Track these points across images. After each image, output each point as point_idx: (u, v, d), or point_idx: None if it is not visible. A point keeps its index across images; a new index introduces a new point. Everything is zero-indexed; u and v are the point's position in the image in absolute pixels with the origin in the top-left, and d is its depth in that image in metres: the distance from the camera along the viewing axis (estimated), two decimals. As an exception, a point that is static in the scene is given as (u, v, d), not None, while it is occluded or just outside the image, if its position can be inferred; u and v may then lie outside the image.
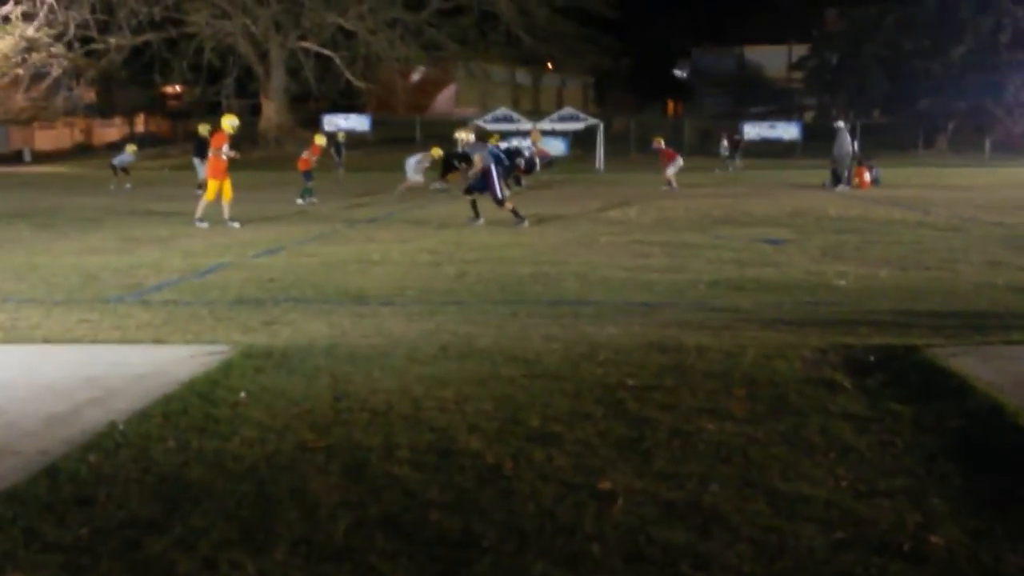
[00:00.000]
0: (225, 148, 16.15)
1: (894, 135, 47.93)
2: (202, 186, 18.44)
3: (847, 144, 26.29)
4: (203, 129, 22.21)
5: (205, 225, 15.45)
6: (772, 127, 49.92)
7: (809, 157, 41.00)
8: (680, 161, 26.73)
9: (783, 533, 3.45)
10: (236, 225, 15.51)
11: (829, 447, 4.37)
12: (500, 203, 15.84)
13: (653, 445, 4.39)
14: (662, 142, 27.75)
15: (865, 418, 4.80)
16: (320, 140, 23.93)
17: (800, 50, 62.19)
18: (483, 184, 16.18)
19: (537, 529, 3.49)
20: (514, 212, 15.56)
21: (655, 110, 70.66)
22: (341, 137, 37.08)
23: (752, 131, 48.89)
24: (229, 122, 17.02)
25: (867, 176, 26.57)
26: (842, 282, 9.39)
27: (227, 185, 16.06)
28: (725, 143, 40.06)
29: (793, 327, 7.08)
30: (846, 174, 26.05)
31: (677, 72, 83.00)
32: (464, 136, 18.45)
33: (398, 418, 4.78)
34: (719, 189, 25.92)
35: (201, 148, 21.32)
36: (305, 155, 22.48)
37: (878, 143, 43.46)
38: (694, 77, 78.24)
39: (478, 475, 4.01)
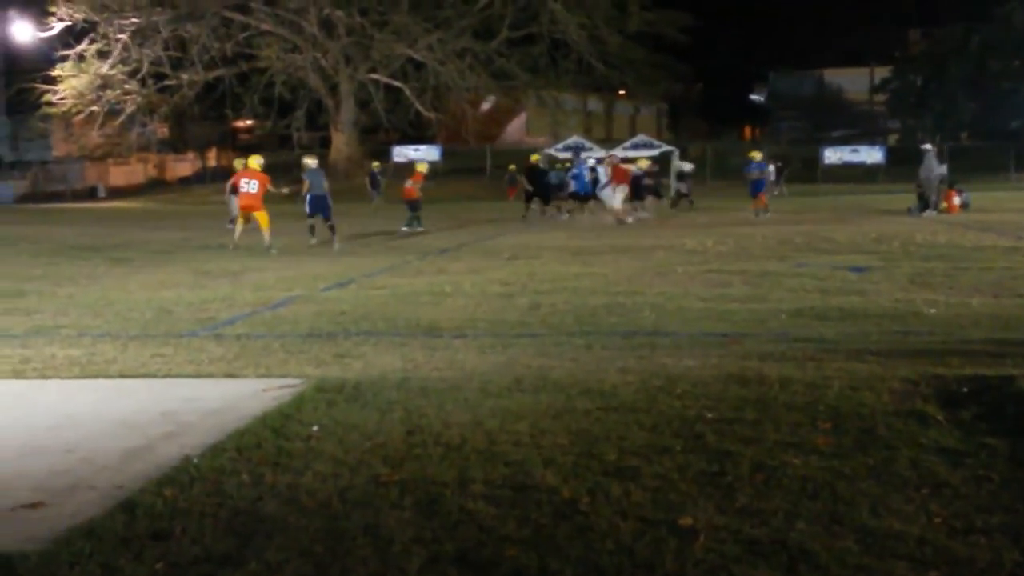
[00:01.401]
0: (245, 184, 18.19)
1: (983, 158, 46.94)
2: (233, 220, 20.21)
3: (934, 167, 25.81)
4: (238, 164, 22.93)
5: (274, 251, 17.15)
6: (854, 151, 49.31)
7: (894, 181, 40.34)
8: (626, 188, 25.38)
9: (873, 572, 3.38)
10: (274, 251, 17.18)
11: (921, 482, 4.27)
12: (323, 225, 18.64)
13: (735, 480, 4.33)
14: (615, 156, 27.96)
15: (959, 452, 4.68)
16: (422, 168, 24.48)
17: (882, 72, 61.44)
18: (319, 207, 18.85)
19: (615, 567, 3.46)
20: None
21: (731, 136, 70.31)
22: (376, 167, 37.36)
23: (833, 155, 48.38)
24: (256, 161, 18.98)
25: (956, 200, 26.05)
26: (932, 310, 9.20)
27: (262, 215, 17.98)
28: (771, 168, 39.47)
29: (881, 357, 6.94)
30: (934, 198, 25.57)
31: (754, 97, 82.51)
32: (307, 161, 20.00)
33: (472, 452, 4.79)
34: (799, 215, 25.62)
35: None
36: (409, 184, 23.05)
37: (967, 166, 42.59)
38: (771, 101, 77.72)
39: (554, 510, 4.00)
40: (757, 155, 27.67)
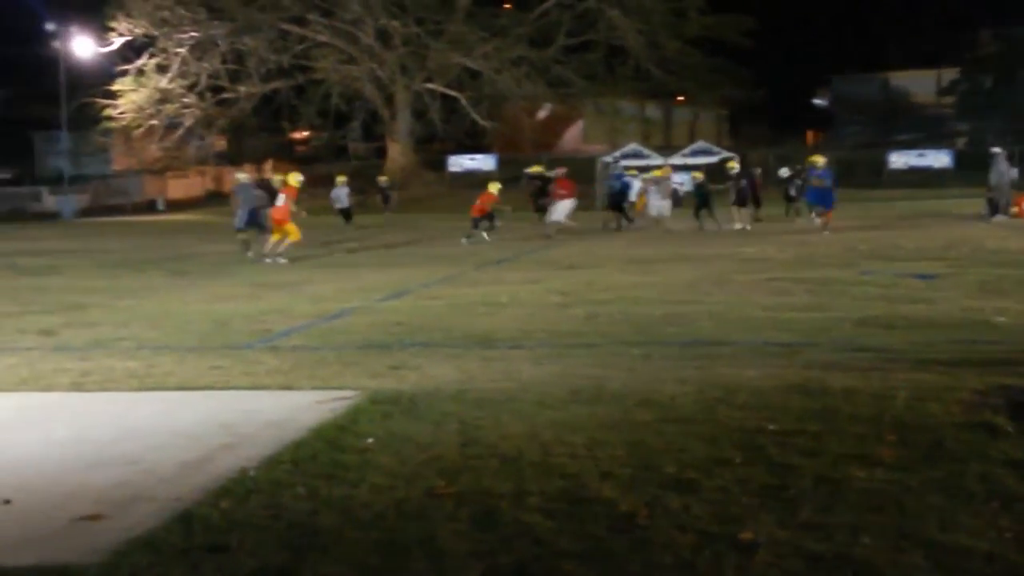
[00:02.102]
0: (291, 203, 18.79)
1: (1056, 161, 45.94)
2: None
3: (1005, 171, 25.34)
4: (277, 180, 23.23)
5: (284, 261, 17.86)
6: (921, 155, 48.62)
7: (962, 186, 39.65)
8: (572, 202, 24.56)
9: (942, 589, 3.32)
10: (283, 261, 17.86)
11: (990, 496, 4.18)
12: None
13: (797, 493, 4.28)
14: (562, 171, 26.40)
15: (1031, 465, 4.58)
16: (494, 188, 24.08)
17: (950, 74, 60.47)
18: (251, 222, 20.09)
19: (674, 581, 3.44)
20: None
21: (794, 141, 69.58)
22: (384, 181, 36.78)
23: (899, 160, 47.76)
24: (295, 178, 19.65)
25: (1028, 205, 25.55)
26: (1002, 319, 9.02)
27: (293, 226, 18.65)
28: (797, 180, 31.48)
29: (948, 367, 6.82)
30: (1004, 203, 25.08)
31: (816, 101, 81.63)
32: (238, 176, 21.51)
33: (528, 464, 4.79)
34: (864, 221, 25.28)
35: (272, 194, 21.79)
36: (478, 203, 23.43)
37: (1039, 169, 41.74)
38: (835, 105, 76.77)
39: (612, 524, 3.98)
40: (820, 160, 23.43)
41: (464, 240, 22.33)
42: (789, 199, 29.25)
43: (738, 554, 3.64)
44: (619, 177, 28.08)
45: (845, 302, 10.49)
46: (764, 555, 3.61)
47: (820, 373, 6.75)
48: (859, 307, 10.05)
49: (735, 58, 51.29)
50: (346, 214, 29.74)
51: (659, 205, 26.49)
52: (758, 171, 30.22)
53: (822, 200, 22.89)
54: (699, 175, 27.68)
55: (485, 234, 22.81)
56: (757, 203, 27.23)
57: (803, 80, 76.86)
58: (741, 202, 25.81)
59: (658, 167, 38.09)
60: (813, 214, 23.74)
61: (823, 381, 6.44)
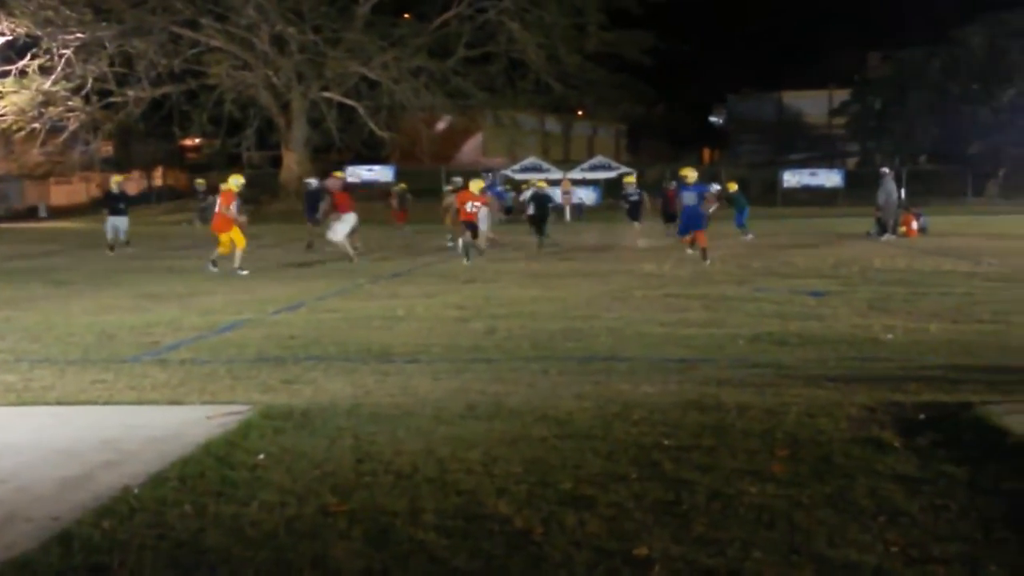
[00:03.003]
0: (234, 208, 17.68)
1: (942, 182, 47.80)
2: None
3: (893, 191, 26.20)
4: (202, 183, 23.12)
5: (245, 272, 16.98)
6: (813, 174, 49.98)
7: (853, 204, 40.92)
8: (351, 219, 20.49)
9: (831, 602, 3.40)
10: (244, 273, 16.96)
11: (879, 511, 4.31)
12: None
13: (691, 509, 4.35)
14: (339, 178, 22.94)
15: (916, 480, 4.74)
16: (476, 186, 21.34)
17: (842, 95, 62.34)
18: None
19: (570, 598, 3.46)
20: None
21: (690, 158, 70.95)
22: (402, 188, 33.32)
23: (792, 178, 49.02)
24: (235, 181, 18.30)
25: (914, 224, 26.51)
26: (889, 336, 9.32)
27: (237, 234, 17.58)
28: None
29: (839, 384, 7.02)
30: (892, 222, 25.95)
31: (713, 119, 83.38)
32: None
33: (424, 481, 4.77)
34: (759, 239, 25.87)
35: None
36: (462, 207, 20.69)
37: (925, 190, 43.40)
38: (731, 124, 78.56)
39: (507, 541, 3.99)
40: (691, 174, 20.28)
41: (466, 262, 19.46)
42: (668, 217, 29.79)
43: (633, 570, 3.68)
44: (495, 188, 26.65)
45: (740, 318, 10.71)
46: (659, 571, 3.67)
47: (715, 389, 6.88)
48: (753, 323, 10.27)
49: (635, 74, 52.07)
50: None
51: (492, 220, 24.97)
52: (672, 185, 30.50)
53: (690, 222, 19.58)
54: (542, 184, 27.36)
55: (451, 243, 22.15)
56: (670, 218, 27.73)
57: (701, 98, 78.48)
58: (635, 217, 26.29)
59: (556, 181, 38.48)
60: (668, 232, 24.05)
61: (718, 397, 6.57)
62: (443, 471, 4.92)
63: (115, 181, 26.11)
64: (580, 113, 65.83)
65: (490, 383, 7.23)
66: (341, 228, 20.26)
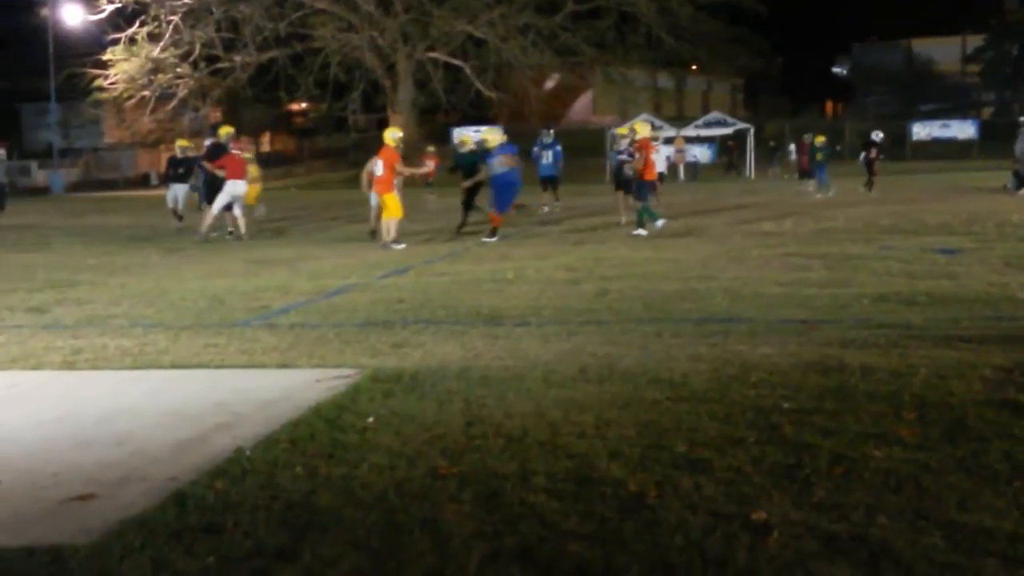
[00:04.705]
0: (399, 165, 16.04)
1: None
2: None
3: (1032, 142, 25.22)
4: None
5: (402, 246, 15.49)
6: (945, 126, 48.51)
7: (988, 157, 39.51)
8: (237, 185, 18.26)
9: (961, 570, 3.33)
10: (400, 247, 15.44)
11: (1013, 475, 4.19)
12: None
13: (813, 473, 4.29)
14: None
15: (1056, 444, 4.58)
16: (640, 126, 18.97)
17: (976, 41, 60.14)
18: None
19: (684, 563, 3.45)
20: None
21: (812, 112, 69.38)
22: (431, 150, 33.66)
23: (923, 131, 47.64)
24: (393, 135, 16.66)
25: (1055, 177, 25.47)
26: (1028, 294, 9.01)
27: (393, 200, 15.85)
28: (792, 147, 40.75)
29: (972, 344, 6.81)
30: (1031, 175, 24.99)
31: (836, 70, 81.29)
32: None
33: (534, 444, 4.80)
34: (885, 195, 25.21)
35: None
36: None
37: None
38: (855, 75, 76.52)
39: (620, 504, 3.99)
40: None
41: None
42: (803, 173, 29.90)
43: (751, 535, 3.65)
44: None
45: (865, 277, 10.48)
46: (778, 536, 3.62)
47: (838, 350, 6.75)
48: (879, 283, 10.04)
49: (751, 26, 51.00)
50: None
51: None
52: (808, 138, 30.05)
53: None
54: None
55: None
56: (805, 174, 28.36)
57: (822, 48, 76.53)
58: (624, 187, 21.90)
59: (670, 139, 38.12)
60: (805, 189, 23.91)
61: (841, 358, 6.44)
62: (554, 434, 4.94)
63: (179, 145, 23.32)
64: (694, 68, 64.82)
65: (602, 345, 7.22)
66: (225, 196, 18.28)
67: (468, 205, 18.50)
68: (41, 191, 48.92)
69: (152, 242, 18.20)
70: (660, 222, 16.64)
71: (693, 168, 43.13)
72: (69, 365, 7.13)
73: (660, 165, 22.10)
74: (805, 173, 29.56)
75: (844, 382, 5.80)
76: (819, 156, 28.08)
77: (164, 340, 7.99)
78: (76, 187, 52.66)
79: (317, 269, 13.04)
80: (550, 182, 24.23)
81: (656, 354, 6.85)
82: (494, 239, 16.10)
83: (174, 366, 7.01)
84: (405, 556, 3.57)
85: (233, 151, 19.07)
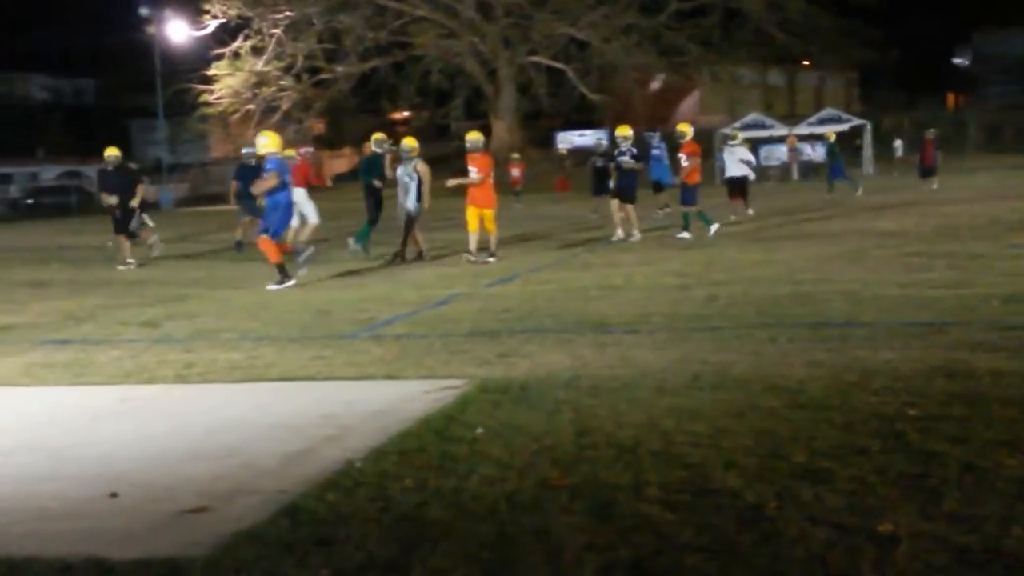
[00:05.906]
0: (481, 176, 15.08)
1: None
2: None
3: None
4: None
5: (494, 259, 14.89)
6: (1076, 116, 46.78)
7: (1124, 148, 38.06)
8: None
9: (1106, 585, 3.21)
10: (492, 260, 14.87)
11: None
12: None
13: (942, 483, 4.18)
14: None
15: None
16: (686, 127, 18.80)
17: (1108, 25, 57.99)
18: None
19: (807, 576, 3.39)
20: None
21: (932, 105, 67.62)
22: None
23: (1051, 122, 46.09)
24: (472, 138, 15.90)
25: None
26: None
27: (491, 216, 15.14)
28: (899, 143, 40.58)
29: (1110, 346, 6.57)
30: None
31: (956, 60, 79.22)
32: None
33: (647, 454, 4.77)
34: (1011, 190, 24.45)
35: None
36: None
37: None
38: (977, 65, 74.43)
39: (737, 516, 3.95)
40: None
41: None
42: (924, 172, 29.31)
43: (876, 547, 3.57)
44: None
45: (992, 277, 10.19)
46: (906, 548, 3.54)
47: (966, 354, 6.57)
48: (1008, 283, 9.74)
49: (864, 17, 49.93)
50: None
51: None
52: (931, 134, 29.48)
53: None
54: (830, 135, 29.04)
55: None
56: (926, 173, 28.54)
57: (941, 38, 74.57)
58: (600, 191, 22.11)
59: (782, 137, 37.67)
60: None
61: (969, 363, 6.27)
62: (667, 444, 4.91)
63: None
64: (806, 63, 63.73)
65: (714, 352, 7.15)
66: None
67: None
68: (150, 206, 50.34)
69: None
70: (714, 227, 17.02)
71: (805, 167, 42.42)
72: (181, 379, 7.33)
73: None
74: (928, 171, 28.88)
75: (973, 387, 5.65)
76: (834, 154, 29.27)
77: (272, 353, 8.16)
78: (184, 202, 54.13)
79: (420, 279, 13.17)
80: (662, 187, 24.33)
81: (770, 360, 6.76)
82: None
83: (282, 378, 7.15)
84: (517, 569, 3.58)
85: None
